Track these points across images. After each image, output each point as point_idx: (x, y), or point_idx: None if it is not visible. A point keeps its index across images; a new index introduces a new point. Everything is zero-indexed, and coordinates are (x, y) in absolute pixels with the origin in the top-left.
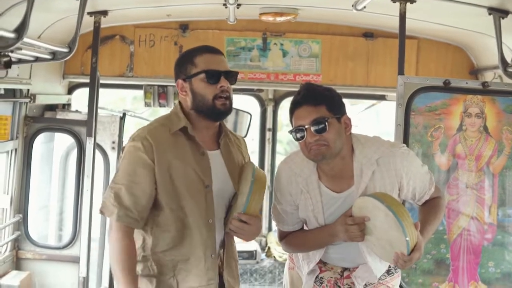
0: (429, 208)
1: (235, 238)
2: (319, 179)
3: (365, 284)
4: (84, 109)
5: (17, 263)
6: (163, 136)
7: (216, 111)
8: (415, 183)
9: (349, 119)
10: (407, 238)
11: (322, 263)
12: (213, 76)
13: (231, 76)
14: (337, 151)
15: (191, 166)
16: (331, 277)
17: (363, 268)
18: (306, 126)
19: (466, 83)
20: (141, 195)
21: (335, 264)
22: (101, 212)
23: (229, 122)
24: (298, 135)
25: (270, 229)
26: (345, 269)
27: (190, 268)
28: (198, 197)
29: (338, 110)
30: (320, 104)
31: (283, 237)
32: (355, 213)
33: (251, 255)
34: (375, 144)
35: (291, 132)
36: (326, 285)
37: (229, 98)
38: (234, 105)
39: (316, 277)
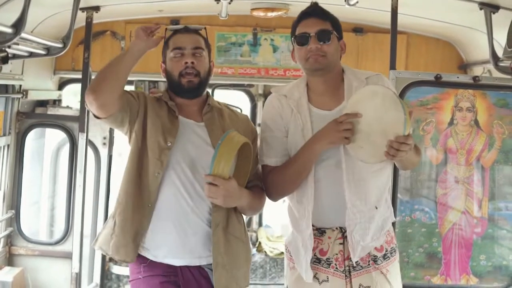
0: None
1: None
2: (309, 101)
3: (359, 266)
4: (73, 105)
5: (9, 259)
6: (152, 98)
7: (182, 89)
8: None
9: (344, 44)
10: (405, 116)
11: (317, 231)
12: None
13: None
14: (332, 66)
15: (161, 122)
16: (336, 254)
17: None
18: (312, 34)
19: (457, 77)
20: (133, 100)
21: (328, 224)
22: None
23: None
24: (302, 40)
25: (260, 224)
26: (343, 234)
27: (127, 216)
28: (154, 148)
29: (339, 31)
30: (326, 20)
31: (268, 172)
32: (348, 111)
33: None
34: (363, 71)
35: (294, 37)
36: (335, 264)
37: (197, 75)
38: (225, 100)
39: (320, 260)
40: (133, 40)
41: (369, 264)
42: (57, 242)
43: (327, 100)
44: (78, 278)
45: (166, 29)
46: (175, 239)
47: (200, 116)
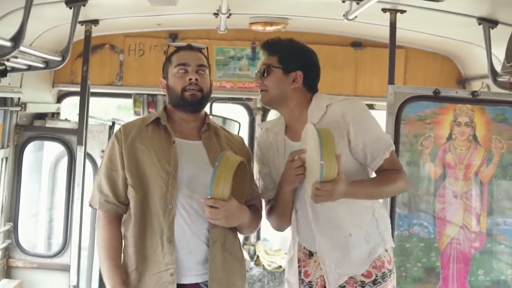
0: (382, 175)
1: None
2: (285, 133)
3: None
4: (71, 117)
5: (7, 272)
6: (136, 126)
7: (185, 102)
8: (364, 138)
9: (299, 76)
10: (322, 162)
11: (308, 252)
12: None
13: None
14: (277, 99)
15: (156, 152)
16: (317, 279)
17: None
18: (257, 70)
19: (456, 92)
20: (118, 180)
21: (312, 249)
22: (90, 205)
23: None
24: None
25: (258, 238)
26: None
27: (147, 254)
28: (159, 182)
29: (289, 64)
30: (273, 54)
31: (267, 208)
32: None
33: None
34: (333, 96)
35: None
36: None
37: (201, 90)
38: (223, 114)
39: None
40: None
41: None
42: (55, 255)
43: (296, 132)
44: None
45: (168, 45)
46: (184, 263)
47: (197, 135)
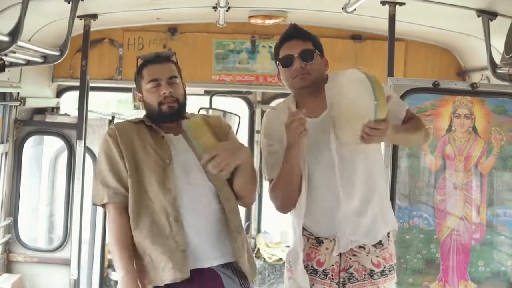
0: (409, 121)
1: None
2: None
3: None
4: (71, 112)
5: (8, 266)
6: (126, 126)
7: (163, 115)
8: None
9: (327, 61)
10: (376, 102)
11: (315, 240)
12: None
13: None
14: (318, 82)
15: (151, 146)
16: (333, 265)
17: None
18: (296, 55)
19: (455, 84)
20: (122, 172)
21: (325, 232)
22: (94, 203)
23: None
24: (286, 62)
25: (259, 230)
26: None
27: (157, 239)
28: (157, 170)
29: (320, 49)
30: (308, 40)
31: (270, 186)
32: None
33: None
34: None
35: (278, 60)
36: (331, 275)
37: (177, 101)
38: (223, 107)
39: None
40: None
41: (364, 278)
42: (55, 249)
43: (312, 108)
44: (76, 285)
45: (137, 58)
46: (199, 247)
47: (178, 131)
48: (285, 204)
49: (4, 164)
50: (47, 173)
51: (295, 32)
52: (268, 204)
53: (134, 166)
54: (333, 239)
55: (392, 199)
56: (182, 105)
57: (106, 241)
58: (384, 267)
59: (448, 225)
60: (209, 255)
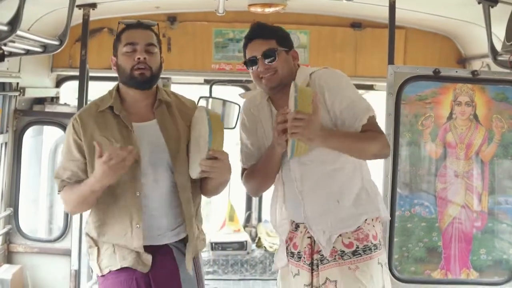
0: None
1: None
2: (271, 104)
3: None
4: (71, 102)
5: (8, 257)
6: (92, 114)
7: (135, 80)
8: (341, 105)
9: (296, 53)
10: (296, 94)
11: (293, 225)
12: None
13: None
14: (286, 78)
15: (116, 141)
16: (305, 248)
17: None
18: (258, 57)
19: (456, 72)
20: (78, 170)
21: (299, 219)
22: (55, 179)
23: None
24: (251, 64)
25: (260, 219)
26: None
27: (117, 239)
28: (127, 173)
29: (286, 44)
30: (270, 38)
31: (244, 174)
32: None
33: (241, 245)
34: (316, 67)
35: (244, 63)
36: (304, 257)
37: (149, 69)
38: (223, 96)
39: (293, 254)
40: (103, 175)
41: (335, 259)
42: (56, 239)
43: (284, 104)
44: (77, 275)
45: (119, 22)
46: (149, 235)
47: (151, 112)
48: (258, 191)
49: (4, 155)
50: (47, 163)
51: (257, 32)
52: (268, 193)
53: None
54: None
55: (393, 188)
56: (155, 75)
57: None
58: (357, 247)
59: (450, 213)
60: (163, 239)
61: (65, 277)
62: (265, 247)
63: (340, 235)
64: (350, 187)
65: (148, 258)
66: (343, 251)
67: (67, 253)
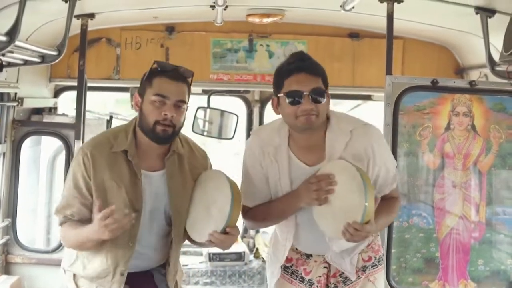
0: (386, 204)
1: None
2: (289, 149)
3: (349, 280)
4: (69, 112)
5: (6, 268)
6: (104, 153)
7: (156, 135)
8: (380, 169)
9: (329, 96)
10: (366, 204)
11: (304, 255)
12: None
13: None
14: (322, 122)
15: (125, 189)
16: (320, 277)
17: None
18: (306, 93)
19: (454, 82)
20: (83, 207)
21: (314, 253)
22: (55, 214)
23: (215, 123)
24: (295, 99)
25: (257, 230)
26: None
27: (97, 281)
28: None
29: (327, 86)
30: (318, 75)
31: (246, 212)
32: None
33: (239, 256)
34: (349, 117)
35: (285, 93)
36: (317, 286)
37: (173, 126)
38: (221, 107)
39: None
40: (99, 231)
41: (359, 276)
42: (53, 250)
43: (309, 155)
44: None
45: (154, 62)
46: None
47: (162, 161)
48: (258, 228)
49: (2, 165)
50: (45, 173)
51: (306, 65)
52: None
53: (104, 207)
54: (321, 255)
55: None
56: (176, 132)
57: None
58: (375, 258)
59: (448, 224)
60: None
61: None
62: (262, 258)
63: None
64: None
65: None
66: (365, 266)
67: None
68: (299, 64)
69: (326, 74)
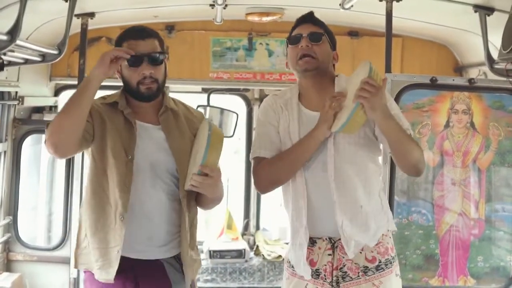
0: None
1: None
2: (299, 101)
3: (349, 276)
4: None
5: (7, 265)
6: (102, 105)
7: (141, 95)
8: (390, 108)
9: (337, 56)
10: (371, 65)
11: (309, 241)
12: (134, 63)
13: (154, 60)
14: (322, 68)
15: (119, 134)
16: (325, 265)
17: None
18: (304, 35)
19: (453, 80)
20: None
21: (319, 232)
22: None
23: (215, 121)
24: (294, 40)
25: (258, 227)
26: (332, 245)
27: (101, 228)
28: (118, 163)
29: (332, 40)
30: (321, 26)
31: (260, 163)
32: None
33: (239, 253)
34: None
35: (287, 39)
36: (324, 275)
37: (155, 81)
38: (221, 105)
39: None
40: (94, 69)
41: (359, 276)
42: (55, 248)
43: (317, 102)
44: (76, 283)
45: (122, 30)
46: (141, 242)
47: (156, 118)
48: (275, 184)
49: (2, 163)
50: (45, 171)
51: (309, 18)
52: (266, 201)
53: (100, 146)
54: (326, 239)
55: (391, 195)
56: (161, 86)
57: None
58: (380, 261)
59: (447, 221)
60: (154, 253)
61: (64, 285)
62: (263, 255)
63: (362, 249)
64: (371, 194)
65: None
66: (367, 267)
67: (66, 261)
68: (303, 16)
69: (332, 32)
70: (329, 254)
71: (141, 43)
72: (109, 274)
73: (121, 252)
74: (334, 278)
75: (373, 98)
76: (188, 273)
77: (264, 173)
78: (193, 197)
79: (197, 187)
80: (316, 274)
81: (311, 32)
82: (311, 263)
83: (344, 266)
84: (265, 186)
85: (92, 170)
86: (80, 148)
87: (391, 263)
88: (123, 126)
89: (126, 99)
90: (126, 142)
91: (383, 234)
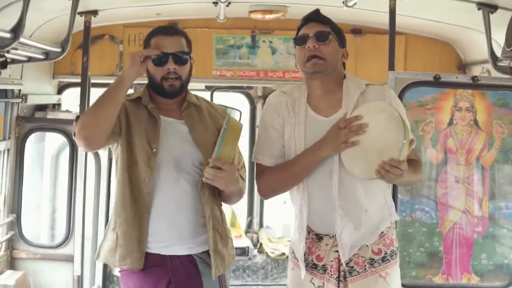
0: (410, 164)
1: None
2: (307, 102)
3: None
4: (72, 108)
5: (11, 263)
6: (129, 101)
7: (164, 91)
8: None
9: (347, 53)
10: (404, 141)
11: (315, 236)
12: (160, 59)
13: (179, 58)
14: (330, 69)
15: (143, 128)
16: (332, 261)
17: (343, 225)
18: (311, 35)
19: (456, 77)
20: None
21: (324, 230)
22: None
23: None
24: (301, 40)
25: (261, 225)
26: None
27: (128, 227)
28: (143, 156)
29: (340, 38)
30: (327, 24)
31: (262, 172)
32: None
33: (243, 251)
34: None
35: (294, 39)
36: (330, 270)
37: (179, 79)
38: (224, 102)
39: (316, 266)
40: (127, 69)
41: (365, 269)
42: (58, 245)
43: (325, 106)
44: (80, 281)
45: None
46: (170, 235)
47: (179, 113)
48: (276, 193)
49: (6, 161)
50: (49, 169)
51: (314, 16)
52: (270, 199)
53: (127, 143)
54: (333, 236)
55: (394, 193)
56: (184, 83)
57: None
58: (386, 253)
59: (451, 218)
60: (185, 245)
61: (67, 283)
62: (266, 252)
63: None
64: (374, 194)
65: None
66: (373, 259)
67: (69, 259)
68: (308, 15)
69: (340, 29)
70: (336, 251)
71: (168, 39)
72: (134, 262)
73: (153, 249)
74: (341, 273)
75: (400, 177)
76: (214, 267)
77: (265, 182)
78: (215, 188)
79: (211, 180)
80: (323, 269)
81: (318, 31)
82: (318, 258)
83: (350, 261)
84: (266, 194)
85: (119, 165)
86: (108, 143)
87: (395, 254)
88: (147, 120)
89: (149, 95)
90: (151, 136)
91: (387, 227)
